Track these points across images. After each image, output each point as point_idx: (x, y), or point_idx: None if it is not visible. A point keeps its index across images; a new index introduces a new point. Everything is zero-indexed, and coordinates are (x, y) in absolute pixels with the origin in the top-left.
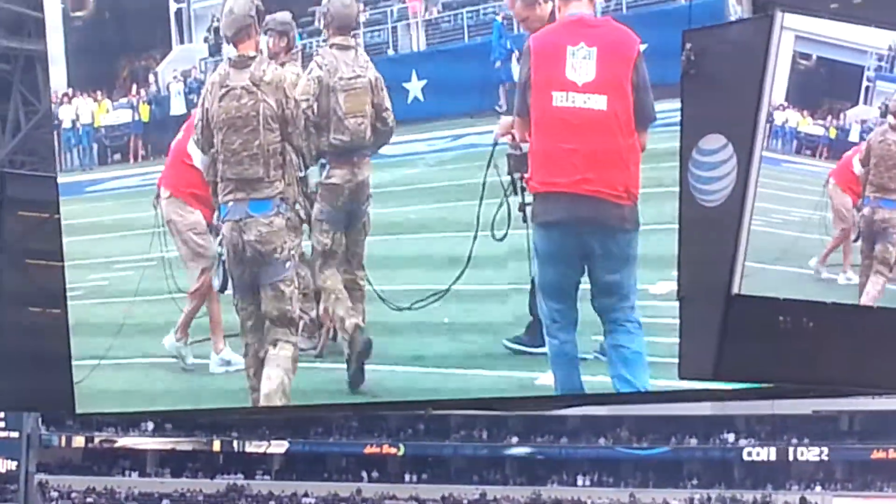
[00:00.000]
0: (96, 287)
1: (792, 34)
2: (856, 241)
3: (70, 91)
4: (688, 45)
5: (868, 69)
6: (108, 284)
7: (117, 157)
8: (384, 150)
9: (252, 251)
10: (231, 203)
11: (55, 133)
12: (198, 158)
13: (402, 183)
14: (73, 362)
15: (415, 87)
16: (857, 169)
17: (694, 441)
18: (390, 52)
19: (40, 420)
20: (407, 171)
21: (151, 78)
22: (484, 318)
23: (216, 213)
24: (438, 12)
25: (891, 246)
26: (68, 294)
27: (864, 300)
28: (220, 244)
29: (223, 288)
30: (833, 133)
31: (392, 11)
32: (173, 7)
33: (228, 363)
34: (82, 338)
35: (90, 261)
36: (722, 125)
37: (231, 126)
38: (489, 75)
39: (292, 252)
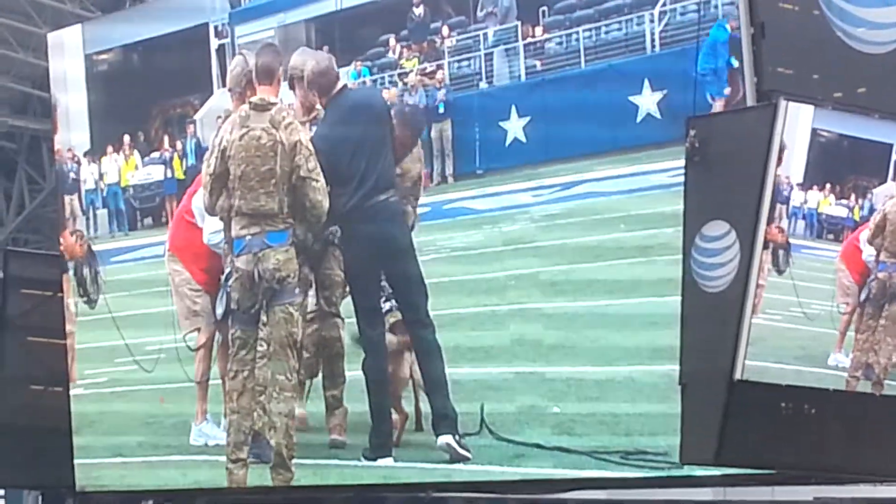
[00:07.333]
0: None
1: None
2: (862, 307)
3: (91, 146)
4: (691, 132)
5: None
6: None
7: (148, 221)
8: (475, 204)
9: (269, 279)
10: (248, 237)
11: (76, 195)
12: (199, 216)
13: (499, 243)
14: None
15: (515, 126)
16: (865, 244)
17: None
18: (482, 84)
19: (40, 498)
20: (505, 227)
21: (190, 128)
22: None
23: (227, 255)
24: (545, 32)
25: None
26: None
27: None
28: (227, 278)
29: (225, 316)
30: (857, 214)
31: (485, 35)
32: (215, 43)
33: (208, 436)
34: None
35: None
36: (725, 212)
37: (250, 164)
38: (620, 104)
39: (299, 278)
